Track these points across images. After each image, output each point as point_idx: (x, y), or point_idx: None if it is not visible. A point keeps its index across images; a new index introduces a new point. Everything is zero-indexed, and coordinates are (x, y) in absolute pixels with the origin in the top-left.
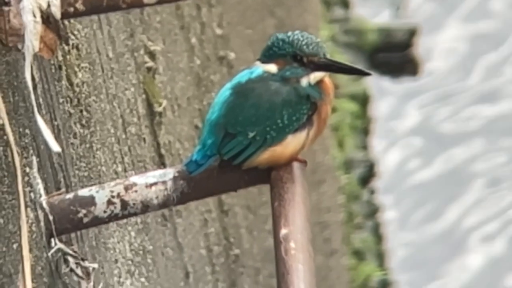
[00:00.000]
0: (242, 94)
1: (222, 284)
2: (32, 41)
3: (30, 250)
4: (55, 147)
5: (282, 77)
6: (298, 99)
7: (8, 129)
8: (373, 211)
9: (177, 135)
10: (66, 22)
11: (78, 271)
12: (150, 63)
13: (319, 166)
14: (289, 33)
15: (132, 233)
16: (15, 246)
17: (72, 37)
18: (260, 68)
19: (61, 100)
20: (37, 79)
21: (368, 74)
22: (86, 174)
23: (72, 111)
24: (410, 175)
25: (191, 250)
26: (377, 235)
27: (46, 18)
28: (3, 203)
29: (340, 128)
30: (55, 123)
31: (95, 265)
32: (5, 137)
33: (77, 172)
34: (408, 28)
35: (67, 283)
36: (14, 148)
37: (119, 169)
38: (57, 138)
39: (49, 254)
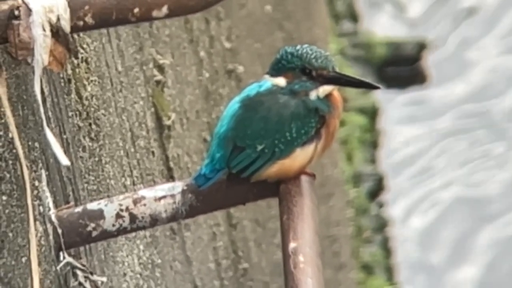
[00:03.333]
0: (250, 107)
1: None
2: (42, 54)
3: (39, 264)
4: (64, 160)
5: (290, 91)
6: (306, 112)
7: (17, 142)
8: (381, 225)
9: (186, 148)
10: (75, 35)
11: (87, 285)
12: (159, 77)
13: (327, 179)
14: (298, 47)
15: (141, 247)
16: (24, 259)
17: (81, 50)
18: (269, 81)
19: (70, 114)
20: (46, 93)
21: (377, 87)
22: (95, 187)
23: (81, 124)
24: None
25: (199, 264)
26: (386, 249)
27: (56, 31)
28: (12, 217)
29: (349, 141)
30: (64, 136)
31: (104, 279)
32: (14, 151)
33: (86, 185)
34: (417, 42)
35: None
36: (23, 162)
37: (128, 182)
38: (66, 151)
39: (58, 267)
